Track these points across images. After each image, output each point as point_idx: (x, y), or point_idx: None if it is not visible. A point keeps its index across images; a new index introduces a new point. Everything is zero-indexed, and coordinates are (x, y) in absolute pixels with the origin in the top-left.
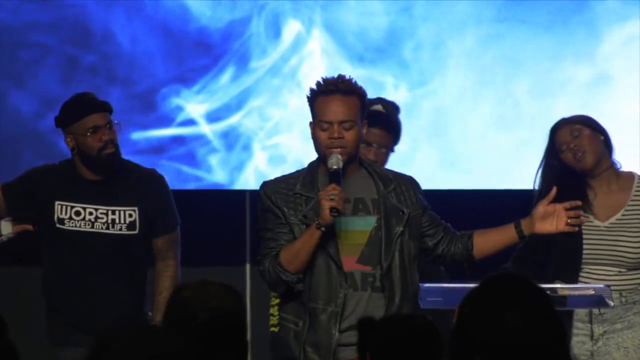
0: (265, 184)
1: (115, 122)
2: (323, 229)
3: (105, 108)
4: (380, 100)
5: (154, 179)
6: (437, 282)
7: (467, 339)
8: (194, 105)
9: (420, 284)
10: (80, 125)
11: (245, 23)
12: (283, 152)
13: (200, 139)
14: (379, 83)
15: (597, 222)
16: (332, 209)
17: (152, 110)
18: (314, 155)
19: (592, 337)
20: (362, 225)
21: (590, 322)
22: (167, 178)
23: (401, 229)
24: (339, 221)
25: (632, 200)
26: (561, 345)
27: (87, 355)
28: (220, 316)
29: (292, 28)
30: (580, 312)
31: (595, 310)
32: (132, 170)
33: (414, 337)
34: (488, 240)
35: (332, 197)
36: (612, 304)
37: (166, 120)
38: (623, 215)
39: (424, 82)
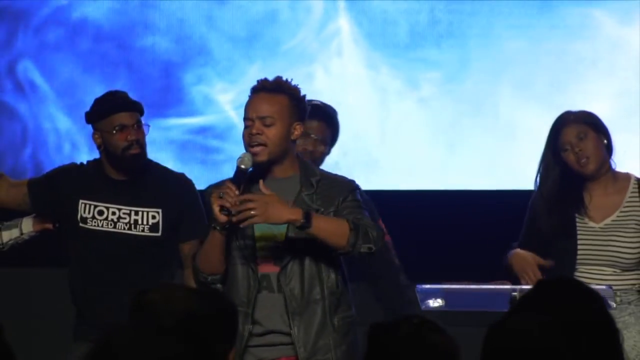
0: (210, 187)
1: (145, 123)
2: (218, 228)
3: (135, 108)
4: (319, 101)
5: (181, 182)
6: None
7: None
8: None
9: (418, 286)
10: (108, 123)
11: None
12: None
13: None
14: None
15: (592, 224)
16: (221, 207)
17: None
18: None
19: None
20: (280, 228)
21: None
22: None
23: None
24: (259, 224)
25: (627, 202)
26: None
27: (88, 355)
28: (185, 320)
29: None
30: None
31: None
32: (160, 172)
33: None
34: None
35: (221, 194)
36: (614, 305)
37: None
38: (618, 216)
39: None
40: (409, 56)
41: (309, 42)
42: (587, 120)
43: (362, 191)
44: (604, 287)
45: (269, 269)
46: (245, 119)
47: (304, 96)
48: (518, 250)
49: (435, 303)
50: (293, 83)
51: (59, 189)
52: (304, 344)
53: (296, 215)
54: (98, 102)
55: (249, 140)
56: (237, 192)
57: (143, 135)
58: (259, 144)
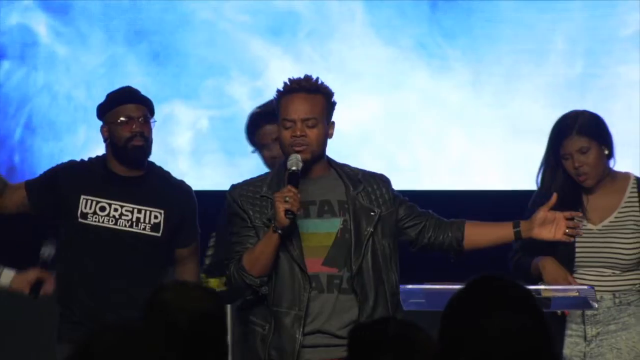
0: (232, 187)
1: (152, 119)
2: (280, 231)
3: (142, 101)
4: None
5: (185, 188)
6: None
7: (453, 342)
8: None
9: (402, 286)
10: (114, 114)
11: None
12: None
13: None
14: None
15: (589, 225)
16: (286, 211)
17: None
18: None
19: (585, 338)
20: (328, 228)
21: (584, 323)
22: None
23: (371, 229)
24: (304, 224)
25: (625, 202)
26: (547, 350)
27: (69, 356)
28: (200, 320)
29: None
30: (574, 314)
31: (589, 312)
32: (164, 175)
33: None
34: (482, 233)
35: (286, 199)
36: (597, 305)
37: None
38: (616, 217)
39: None
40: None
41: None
42: (591, 132)
43: None
44: (585, 287)
45: (318, 269)
46: (286, 120)
47: (333, 94)
48: (550, 258)
49: (417, 303)
50: (320, 82)
51: (60, 187)
52: None
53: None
54: (108, 95)
55: (292, 141)
56: (299, 195)
57: (149, 129)
58: (302, 145)
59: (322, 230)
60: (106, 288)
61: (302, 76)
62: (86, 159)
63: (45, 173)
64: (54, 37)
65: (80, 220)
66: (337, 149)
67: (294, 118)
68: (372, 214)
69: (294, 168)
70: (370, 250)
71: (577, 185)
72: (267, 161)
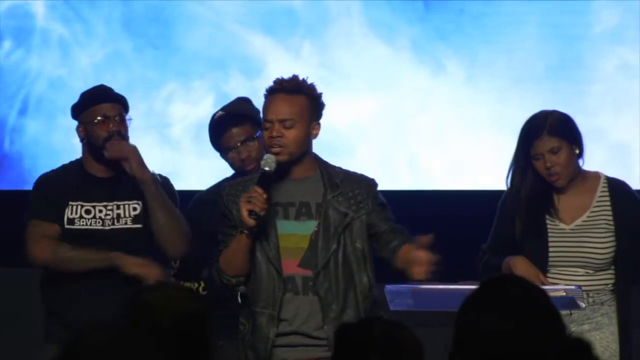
0: (223, 186)
1: (128, 116)
2: (246, 232)
3: (117, 100)
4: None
5: (162, 177)
6: None
7: (455, 342)
8: None
9: (389, 286)
10: (90, 113)
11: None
12: None
13: None
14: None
15: (562, 225)
16: (250, 211)
17: None
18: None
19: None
20: (303, 230)
21: None
22: None
23: (341, 231)
24: (282, 225)
25: (597, 202)
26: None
27: (58, 356)
28: (184, 321)
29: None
30: None
31: (563, 311)
32: None
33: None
34: (401, 258)
35: (250, 199)
36: (584, 305)
37: None
38: (588, 217)
39: None
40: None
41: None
42: (562, 132)
43: None
44: (572, 287)
45: (294, 271)
46: (265, 120)
47: (321, 94)
48: (521, 257)
49: (403, 303)
50: (309, 82)
51: (53, 198)
52: None
53: None
54: (82, 95)
55: (269, 142)
56: (265, 196)
57: (125, 127)
58: (279, 146)
59: (299, 232)
60: (95, 290)
61: (285, 76)
62: (62, 165)
63: (37, 196)
64: (51, 18)
65: (67, 226)
66: (334, 147)
67: (272, 119)
68: (345, 217)
69: (266, 168)
70: (340, 253)
71: (548, 186)
72: (235, 164)
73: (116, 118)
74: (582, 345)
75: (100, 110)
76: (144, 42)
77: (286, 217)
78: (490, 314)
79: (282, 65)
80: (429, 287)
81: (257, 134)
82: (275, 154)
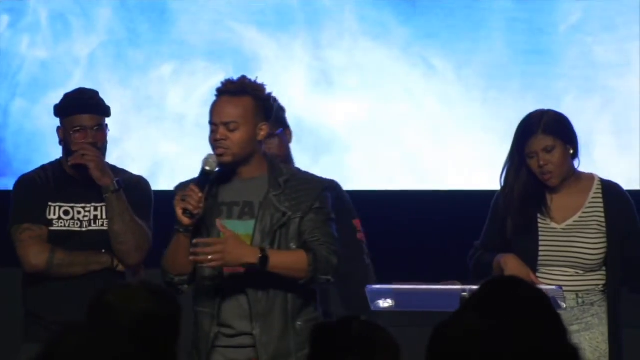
0: (177, 186)
1: (107, 126)
2: (181, 230)
3: (97, 110)
4: None
5: (138, 180)
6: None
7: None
8: None
9: (369, 286)
10: (68, 122)
11: None
12: None
13: None
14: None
15: (553, 225)
16: (184, 210)
17: None
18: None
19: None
20: (246, 229)
21: None
22: None
23: (276, 229)
24: (226, 224)
25: (590, 203)
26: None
27: (38, 355)
28: (144, 321)
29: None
30: None
31: None
32: (117, 172)
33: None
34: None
35: (184, 198)
36: (565, 305)
37: None
38: (580, 217)
39: None
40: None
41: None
42: (557, 131)
43: (340, 191)
44: (553, 287)
45: (237, 269)
46: (210, 122)
47: (269, 94)
48: (512, 255)
49: (385, 303)
50: (258, 82)
51: (36, 200)
52: (266, 347)
53: (253, 257)
54: (66, 97)
55: (214, 144)
56: (200, 195)
57: (102, 138)
58: (222, 148)
59: (242, 232)
60: (74, 291)
61: (235, 78)
62: (42, 166)
63: (21, 197)
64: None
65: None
66: (330, 145)
67: (216, 121)
68: (283, 216)
69: (207, 168)
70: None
71: (541, 184)
72: None
73: (94, 129)
74: (575, 350)
75: (78, 121)
76: (138, 31)
77: (229, 216)
78: (490, 315)
79: (278, 63)
80: (410, 287)
81: (278, 131)
82: (219, 155)
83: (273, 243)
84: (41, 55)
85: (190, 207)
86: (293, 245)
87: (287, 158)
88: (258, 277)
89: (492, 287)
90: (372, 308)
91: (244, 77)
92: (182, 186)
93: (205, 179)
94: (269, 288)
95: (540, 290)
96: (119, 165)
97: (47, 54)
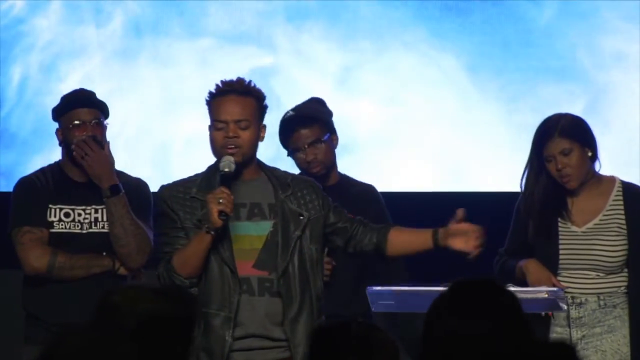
0: (162, 188)
1: (106, 122)
2: (212, 232)
3: (95, 105)
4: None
5: (138, 183)
6: (396, 282)
7: (435, 345)
8: None
9: (370, 287)
10: (67, 118)
11: None
12: None
13: None
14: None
15: (574, 228)
16: (220, 212)
17: None
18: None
19: (570, 341)
20: (258, 230)
21: (569, 326)
22: None
23: (299, 233)
24: (234, 226)
25: (610, 205)
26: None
27: (39, 357)
28: (149, 322)
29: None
30: (559, 317)
31: (574, 314)
32: (117, 173)
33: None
34: (404, 240)
35: (220, 200)
36: (565, 307)
37: None
38: (601, 220)
39: None
40: None
41: None
42: (573, 134)
43: (379, 195)
44: (555, 289)
45: (248, 272)
46: (218, 121)
47: (265, 97)
48: (533, 260)
49: (385, 304)
50: (252, 84)
51: (36, 203)
52: (298, 347)
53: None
54: (63, 98)
55: (224, 143)
56: (232, 197)
57: (101, 132)
58: (235, 147)
59: (253, 233)
60: (74, 293)
61: (234, 78)
62: (41, 169)
63: (22, 200)
64: None
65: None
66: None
67: (227, 119)
68: (301, 217)
69: (226, 169)
70: (297, 254)
71: (561, 188)
72: (302, 165)
73: (92, 122)
74: (566, 348)
75: (77, 115)
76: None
77: (237, 218)
78: (461, 316)
79: (297, 64)
80: (410, 289)
81: (326, 137)
82: (230, 154)
83: (295, 246)
84: None
85: (227, 210)
86: (313, 247)
87: (333, 164)
88: (287, 279)
89: (460, 288)
90: (373, 309)
91: (243, 79)
92: (167, 187)
93: (228, 181)
94: (298, 291)
95: (507, 291)
96: (135, 167)
97: None
